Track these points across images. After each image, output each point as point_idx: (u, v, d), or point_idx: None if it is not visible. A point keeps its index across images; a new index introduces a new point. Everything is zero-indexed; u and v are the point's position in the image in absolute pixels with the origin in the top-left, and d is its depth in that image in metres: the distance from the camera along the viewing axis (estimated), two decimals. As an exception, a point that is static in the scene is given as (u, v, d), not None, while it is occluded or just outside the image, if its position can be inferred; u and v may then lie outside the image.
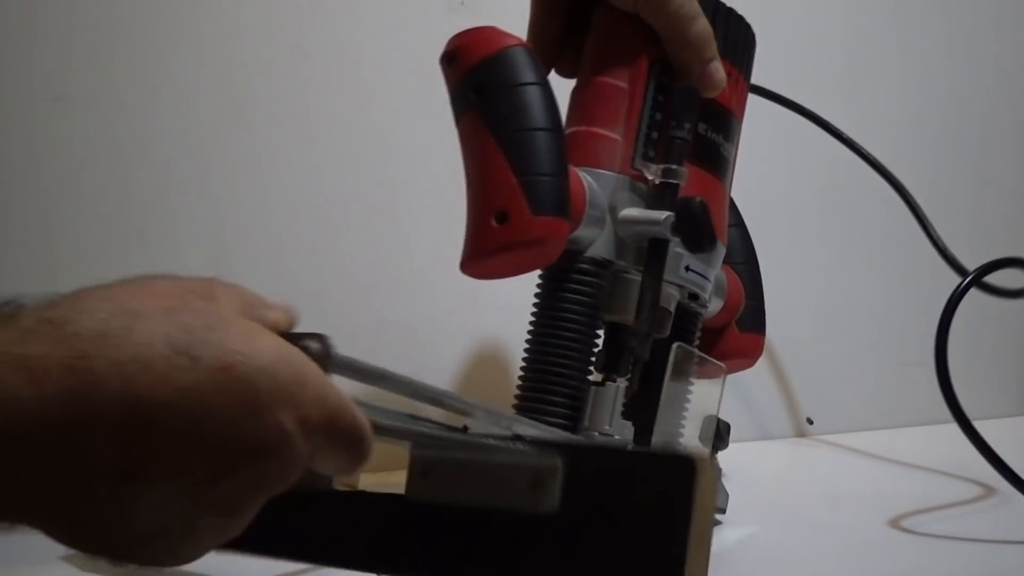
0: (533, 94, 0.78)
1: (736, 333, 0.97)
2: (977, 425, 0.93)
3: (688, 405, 0.88)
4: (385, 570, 0.65)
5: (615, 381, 0.83)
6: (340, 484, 0.67)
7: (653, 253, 0.81)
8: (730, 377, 0.93)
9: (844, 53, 1.40)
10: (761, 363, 0.91)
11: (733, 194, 0.98)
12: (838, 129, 1.10)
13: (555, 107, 0.79)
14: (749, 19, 0.89)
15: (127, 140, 0.99)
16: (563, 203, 0.77)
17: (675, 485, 0.58)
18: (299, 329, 0.54)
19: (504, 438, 0.64)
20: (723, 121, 0.87)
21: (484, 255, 0.77)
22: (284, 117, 1.06)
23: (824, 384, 0.98)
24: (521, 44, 0.80)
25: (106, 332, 0.45)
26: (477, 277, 0.78)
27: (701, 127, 0.85)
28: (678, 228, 0.80)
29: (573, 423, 0.80)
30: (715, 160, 0.86)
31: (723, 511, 0.90)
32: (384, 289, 1.04)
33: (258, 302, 0.53)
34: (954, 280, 0.98)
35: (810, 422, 1.27)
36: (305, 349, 0.51)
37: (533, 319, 0.83)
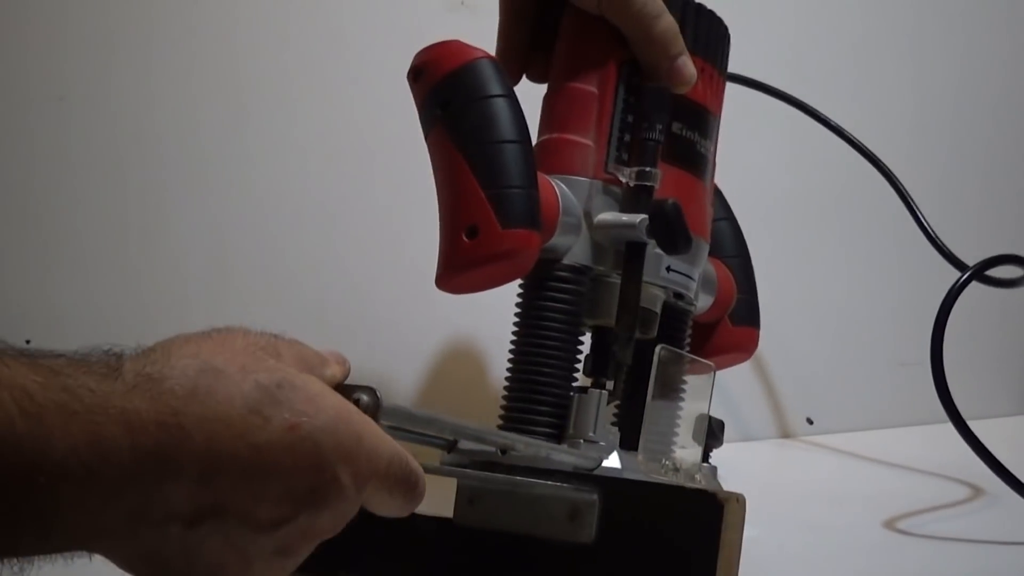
0: (499, 106, 0.78)
1: (730, 327, 0.97)
2: (975, 425, 0.92)
3: (682, 405, 0.87)
4: None
5: (603, 386, 0.83)
6: None
7: (630, 256, 0.81)
8: (724, 376, 0.93)
9: (845, 49, 1.39)
10: (760, 362, 0.91)
11: (725, 189, 0.98)
12: (827, 117, 1.09)
13: (522, 118, 0.78)
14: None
15: (127, 140, 1.01)
16: (533, 215, 0.77)
17: (703, 522, 0.63)
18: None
19: (544, 471, 0.69)
20: (698, 118, 0.86)
21: (456, 270, 0.77)
22: (283, 117, 1.07)
23: (821, 384, 0.98)
24: (487, 57, 0.80)
25: (194, 390, 0.51)
26: (452, 292, 0.79)
27: (675, 126, 0.85)
28: (653, 231, 0.80)
29: (559, 431, 0.80)
30: (692, 158, 0.86)
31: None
32: (383, 290, 1.04)
33: (316, 359, 0.59)
34: (952, 278, 0.96)
35: (810, 422, 1.26)
36: (356, 402, 0.57)
37: (515, 328, 0.83)
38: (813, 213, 0.98)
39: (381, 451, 0.57)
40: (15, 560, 0.49)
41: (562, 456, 0.77)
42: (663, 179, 0.83)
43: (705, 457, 0.89)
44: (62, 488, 0.47)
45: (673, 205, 0.80)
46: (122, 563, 0.53)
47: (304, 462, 0.53)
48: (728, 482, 0.98)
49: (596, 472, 0.77)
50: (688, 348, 0.92)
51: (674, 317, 0.90)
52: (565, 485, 0.68)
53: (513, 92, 0.79)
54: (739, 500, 0.66)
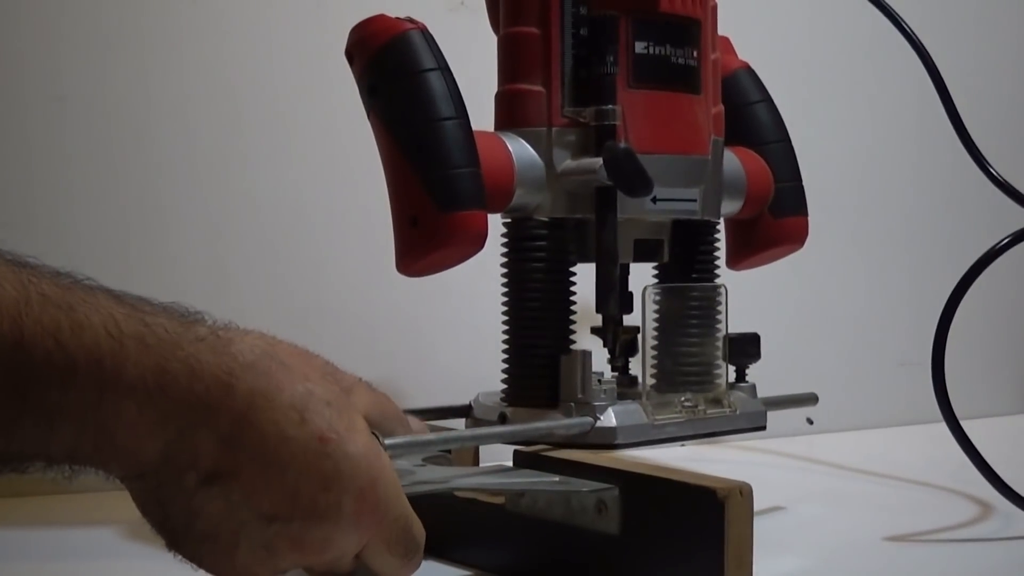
0: (426, 83, 0.75)
1: (771, 220, 0.91)
2: (977, 424, 0.86)
3: (719, 335, 0.83)
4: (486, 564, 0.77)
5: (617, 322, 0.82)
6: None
7: (600, 202, 0.78)
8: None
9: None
10: (759, 362, 0.86)
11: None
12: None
13: (454, 90, 0.75)
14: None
15: (126, 140, 1.02)
16: (474, 193, 0.74)
17: (706, 519, 0.65)
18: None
19: (570, 464, 0.72)
20: (666, 31, 0.80)
21: (409, 259, 0.76)
22: (283, 117, 1.06)
23: (821, 384, 0.93)
24: (413, 28, 0.76)
25: (254, 364, 0.57)
26: (414, 276, 0.77)
27: (639, 47, 0.79)
28: (609, 176, 0.76)
29: (555, 394, 0.78)
30: (667, 74, 0.81)
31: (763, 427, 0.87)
32: (384, 287, 1.03)
33: (394, 413, 0.66)
34: (952, 274, 0.87)
35: (810, 422, 1.19)
36: None
37: (502, 292, 0.81)
38: (814, 213, 0.91)
39: (391, 503, 0.60)
40: (67, 465, 0.56)
41: (550, 428, 0.76)
42: (636, 105, 0.79)
43: (741, 376, 0.86)
44: (124, 407, 0.54)
45: (624, 151, 0.76)
46: (140, 503, 0.58)
47: (318, 473, 0.57)
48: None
49: (591, 437, 0.77)
50: (723, 255, 0.89)
51: (692, 234, 0.86)
52: (587, 482, 0.70)
53: (444, 63, 0.76)
54: (743, 492, 0.66)
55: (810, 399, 0.92)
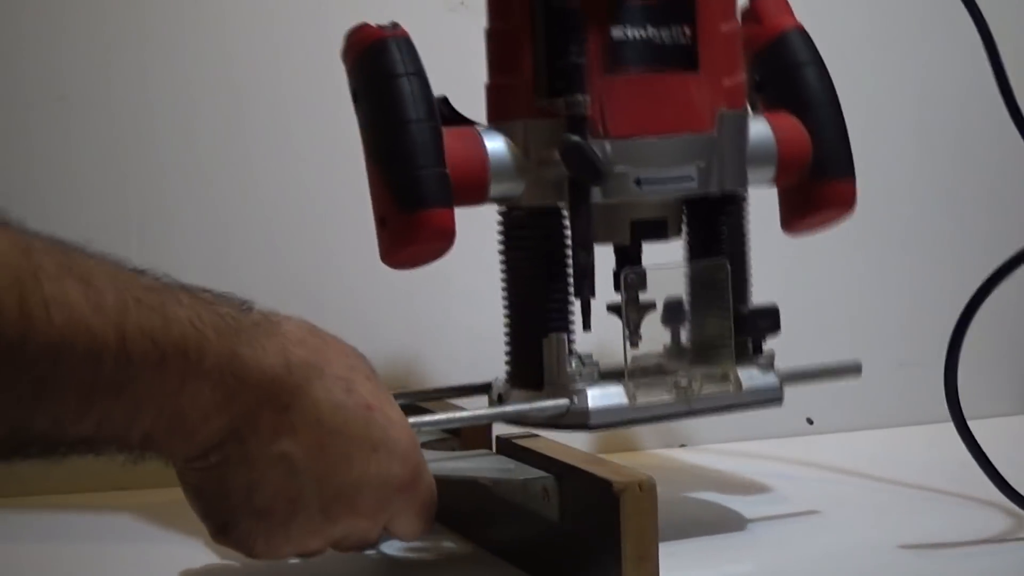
0: (394, 88, 0.79)
1: (813, 185, 0.88)
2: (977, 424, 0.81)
3: (724, 313, 0.83)
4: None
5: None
6: None
7: (572, 191, 0.80)
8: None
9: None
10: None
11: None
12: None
13: (421, 94, 0.78)
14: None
15: (128, 139, 1.04)
16: (436, 192, 0.78)
17: (606, 507, 0.68)
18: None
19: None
20: (646, 13, 0.80)
21: (386, 256, 0.80)
22: (284, 116, 1.07)
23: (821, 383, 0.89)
24: (391, 35, 0.80)
25: (304, 341, 0.65)
26: (398, 268, 0.82)
27: (615, 32, 0.80)
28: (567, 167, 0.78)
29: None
30: (650, 56, 0.81)
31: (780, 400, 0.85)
32: (384, 286, 1.04)
33: None
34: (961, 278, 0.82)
35: (810, 422, 1.12)
36: None
37: (501, 280, 0.85)
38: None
39: (425, 469, 0.69)
40: (138, 450, 0.62)
41: (523, 411, 0.80)
42: (615, 91, 0.80)
43: (757, 347, 0.85)
44: (201, 390, 0.60)
45: (572, 143, 0.77)
46: (198, 481, 0.64)
47: (367, 437, 0.65)
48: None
49: (567, 419, 0.79)
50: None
51: (709, 209, 0.85)
52: (528, 469, 0.74)
53: (415, 68, 0.79)
54: (643, 486, 0.67)
55: (852, 369, 0.89)
